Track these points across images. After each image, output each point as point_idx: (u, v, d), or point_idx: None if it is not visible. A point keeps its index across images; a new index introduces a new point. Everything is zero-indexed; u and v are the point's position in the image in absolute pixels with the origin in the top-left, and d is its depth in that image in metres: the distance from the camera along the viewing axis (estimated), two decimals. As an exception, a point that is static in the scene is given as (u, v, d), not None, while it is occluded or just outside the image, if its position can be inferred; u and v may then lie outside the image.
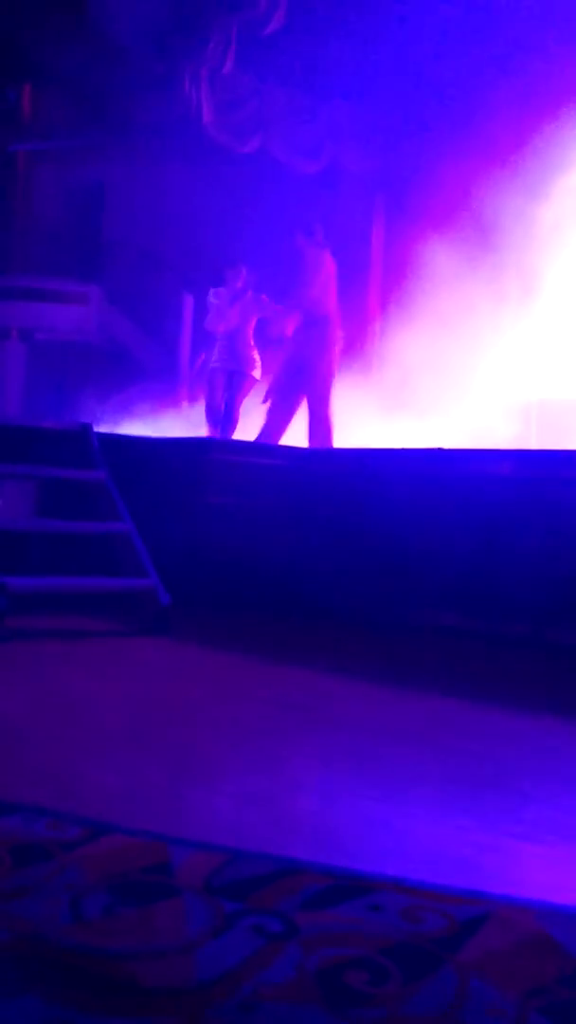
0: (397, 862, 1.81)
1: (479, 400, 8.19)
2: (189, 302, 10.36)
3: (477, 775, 2.42)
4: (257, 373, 7.44)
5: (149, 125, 9.65)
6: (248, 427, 7.21)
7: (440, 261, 8.65)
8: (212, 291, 7.63)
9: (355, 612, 4.66)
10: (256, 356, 7.44)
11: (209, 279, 8.25)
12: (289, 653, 3.95)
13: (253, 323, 7.42)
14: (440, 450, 5.04)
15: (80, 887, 1.63)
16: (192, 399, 9.63)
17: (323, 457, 5.75)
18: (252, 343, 7.44)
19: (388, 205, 10.36)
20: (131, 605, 4.30)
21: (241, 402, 7.40)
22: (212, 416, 7.49)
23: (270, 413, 6.88)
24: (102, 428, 5.36)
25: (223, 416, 7.30)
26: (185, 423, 8.55)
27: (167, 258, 10.95)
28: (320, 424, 6.79)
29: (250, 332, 7.43)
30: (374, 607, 4.65)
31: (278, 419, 6.86)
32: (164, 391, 9.85)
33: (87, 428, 4.92)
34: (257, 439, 6.78)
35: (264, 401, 6.97)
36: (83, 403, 9.49)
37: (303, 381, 6.81)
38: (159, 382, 10.10)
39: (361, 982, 1.38)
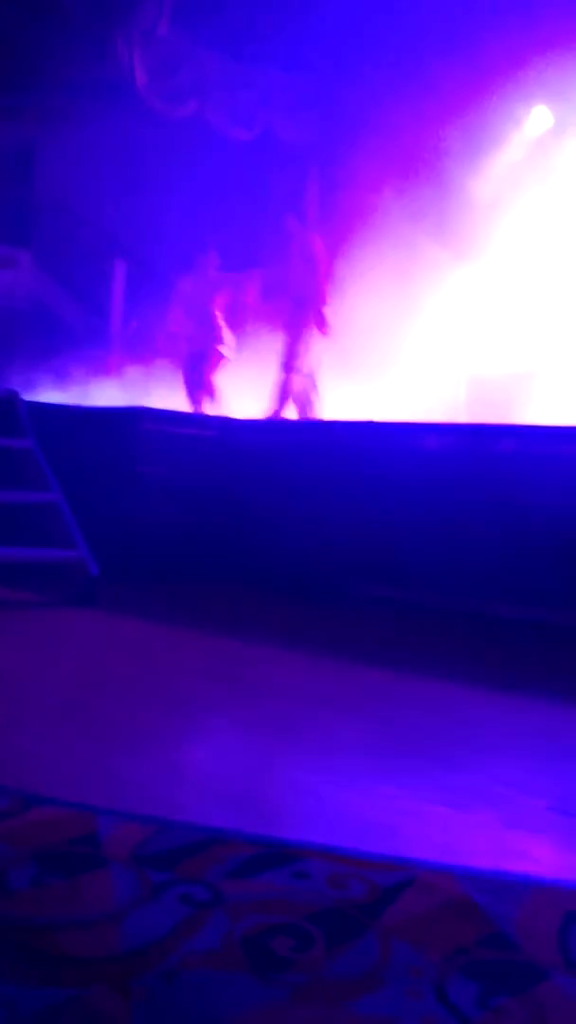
0: (323, 830, 1.84)
1: (413, 371, 8.25)
2: (121, 267, 10.20)
3: (403, 744, 2.46)
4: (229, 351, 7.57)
5: (83, 86, 9.44)
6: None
7: (373, 232, 8.65)
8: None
9: (290, 582, 4.68)
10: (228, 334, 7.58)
11: (142, 243, 8.21)
12: (221, 624, 3.96)
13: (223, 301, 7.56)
14: (370, 423, 5.08)
15: (7, 858, 1.63)
16: (122, 366, 9.53)
17: (256, 428, 5.75)
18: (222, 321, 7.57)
19: (322, 175, 10.31)
20: (59, 576, 4.27)
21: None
22: (192, 392, 7.58)
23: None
24: (30, 396, 5.27)
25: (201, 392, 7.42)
26: (116, 391, 8.46)
27: (99, 222, 10.76)
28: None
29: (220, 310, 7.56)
30: (309, 577, 4.69)
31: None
32: (95, 358, 9.71)
33: (13, 395, 4.83)
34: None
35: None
36: (11, 370, 9.32)
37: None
38: (90, 349, 9.94)
39: (286, 948, 1.40)
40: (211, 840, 1.74)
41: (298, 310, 6.81)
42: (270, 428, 5.70)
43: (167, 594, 4.52)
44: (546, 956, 1.41)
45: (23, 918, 1.44)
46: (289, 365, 6.87)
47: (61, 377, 8.87)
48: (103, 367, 9.75)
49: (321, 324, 6.75)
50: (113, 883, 1.57)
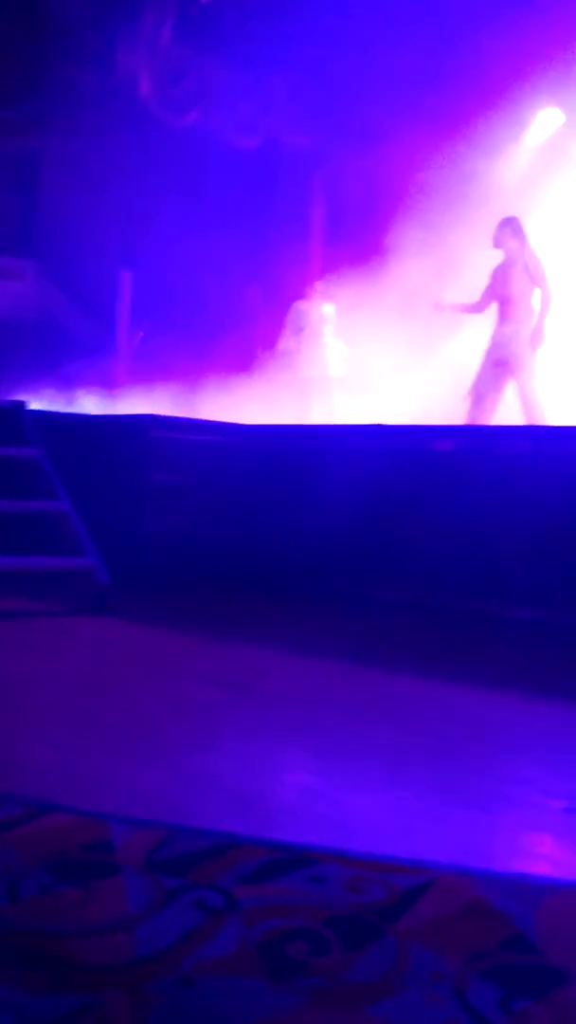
0: (339, 834, 1.82)
1: (424, 379, 8.21)
2: (127, 278, 10.23)
3: (419, 747, 2.44)
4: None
5: (87, 97, 9.48)
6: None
7: (380, 239, 8.64)
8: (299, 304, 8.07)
9: (303, 587, 4.67)
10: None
11: (151, 256, 8.27)
12: (233, 630, 3.94)
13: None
14: (380, 426, 5.06)
15: (20, 865, 1.61)
16: (130, 375, 9.55)
17: (267, 433, 5.74)
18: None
19: (327, 182, 10.32)
20: (70, 585, 4.25)
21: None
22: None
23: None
24: (38, 406, 5.28)
25: None
26: (125, 400, 8.47)
27: (105, 233, 10.78)
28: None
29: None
30: (323, 582, 4.67)
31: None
32: (103, 368, 9.73)
33: (20, 405, 4.84)
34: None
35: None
36: (18, 381, 9.33)
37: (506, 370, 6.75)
38: (98, 359, 9.96)
39: (302, 953, 1.38)
40: (225, 845, 1.72)
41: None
42: (281, 433, 5.69)
43: (178, 601, 4.50)
44: (568, 959, 1.39)
45: (36, 925, 1.42)
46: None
47: (68, 387, 8.89)
48: (111, 377, 9.77)
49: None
50: (126, 889, 1.55)
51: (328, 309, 8.00)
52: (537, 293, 6.61)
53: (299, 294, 8.22)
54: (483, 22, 7.95)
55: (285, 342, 8.06)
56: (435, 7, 8.05)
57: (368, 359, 8.29)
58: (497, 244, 6.74)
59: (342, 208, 10.17)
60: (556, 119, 8.70)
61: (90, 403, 8.33)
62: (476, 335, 7.05)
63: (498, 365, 6.59)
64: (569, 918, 1.51)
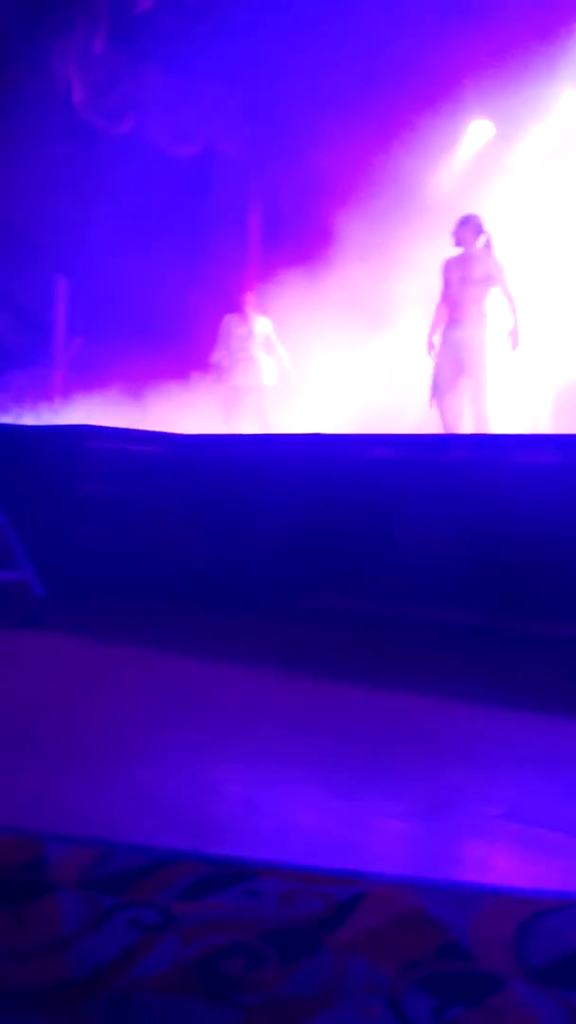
0: (276, 847, 1.82)
1: (362, 389, 8.24)
2: (63, 285, 10.13)
3: (357, 756, 2.45)
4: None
5: (19, 104, 9.38)
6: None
7: (320, 247, 8.68)
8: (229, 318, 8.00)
9: (242, 598, 4.65)
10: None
11: (88, 263, 8.19)
12: (171, 642, 3.91)
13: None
14: (320, 435, 5.08)
15: (-51, 890, 1.58)
16: (66, 384, 9.45)
17: (203, 443, 5.72)
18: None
19: (265, 190, 10.34)
20: (4, 598, 4.20)
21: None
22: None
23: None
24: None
25: None
26: (59, 412, 8.38)
27: (39, 239, 10.67)
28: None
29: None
30: (262, 592, 4.66)
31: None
32: (38, 376, 9.62)
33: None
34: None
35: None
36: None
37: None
38: (32, 367, 9.85)
39: (239, 968, 1.37)
40: (162, 861, 1.71)
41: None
42: (217, 443, 5.68)
43: (116, 613, 4.46)
44: (502, 965, 1.40)
45: (-34, 951, 1.40)
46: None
47: (2, 397, 8.77)
48: (46, 385, 9.66)
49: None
50: (60, 910, 1.53)
51: (261, 323, 8.01)
52: (492, 295, 6.53)
53: (237, 301, 8.21)
54: (418, 30, 8.04)
55: (217, 355, 8.06)
56: (372, 16, 8.11)
57: (310, 365, 8.31)
58: (459, 242, 6.54)
59: (279, 215, 10.20)
60: (487, 131, 8.83)
61: (26, 413, 8.23)
62: (415, 336, 7.04)
63: (455, 366, 6.48)
64: (504, 924, 1.53)
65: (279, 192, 10.15)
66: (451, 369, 6.51)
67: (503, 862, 1.85)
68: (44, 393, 9.29)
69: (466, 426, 6.60)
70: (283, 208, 10.05)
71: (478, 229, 6.58)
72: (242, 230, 10.40)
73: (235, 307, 8.18)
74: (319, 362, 8.38)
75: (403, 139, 8.45)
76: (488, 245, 6.58)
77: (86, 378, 9.13)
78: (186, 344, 9.04)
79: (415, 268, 7.67)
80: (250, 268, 10.24)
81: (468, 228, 6.56)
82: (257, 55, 8.75)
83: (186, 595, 4.70)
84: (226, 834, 1.89)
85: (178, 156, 9.62)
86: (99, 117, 8.99)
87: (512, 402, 7.57)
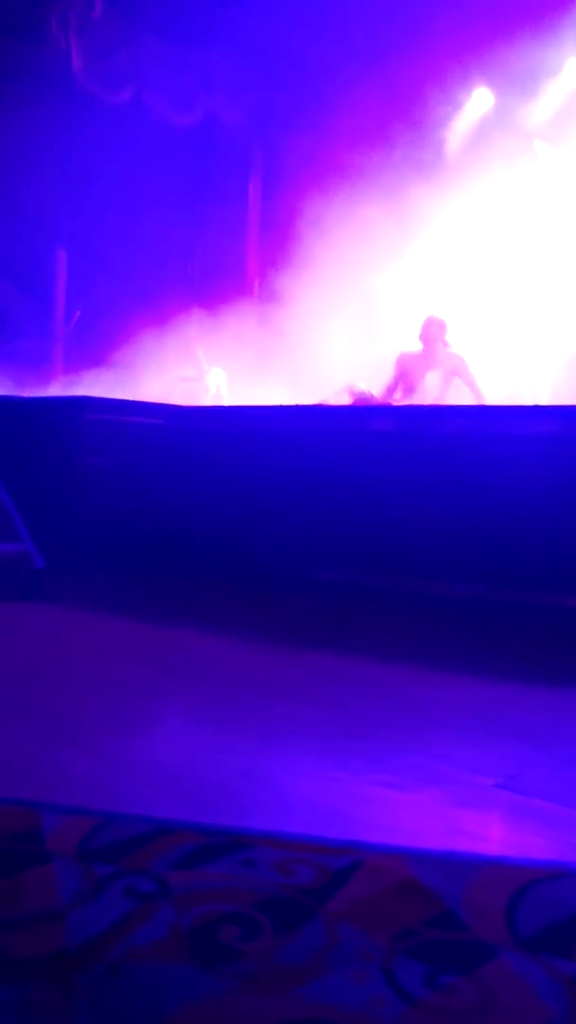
0: (271, 816, 1.83)
1: (362, 358, 8.19)
2: (63, 256, 10.07)
3: (350, 727, 2.46)
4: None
5: (18, 72, 9.27)
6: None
7: (320, 216, 8.61)
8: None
9: (240, 570, 4.66)
10: None
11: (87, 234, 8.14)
12: (169, 614, 3.92)
13: None
14: (319, 407, 5.07)
15: (-53, 858, 1.59)
16: (67, 356, 9.42)
17: (202, 415, 5.71)
18: None
19: (266, 159, 10.24)
20: (4, 570, 4.20)
21: None
22: None
23: None
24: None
25: None
26: (62, 381, 8.36)
27: (39, 211, 10.60)
28: None
29: None
30: (260, 564, 4.66)
31: None
32: (39, 348, 9.58)
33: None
34: None
35: None
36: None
37: None
38: (33, 339, 9.81)
39: (233, 937, 1.38)
40: (157, 831, 1.72)
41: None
42: (216, 415, 5.66)
43: (115, 585, 4.46)
44: (494, 934, 1.41)
45: (-37, 919, 1.41)
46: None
47: (3, 369, 8.74)
48: (48, 357, 9.62)
49: None
50: (57, 879, 1.54)
51: (214, 375, 7.95)
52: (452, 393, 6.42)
53: (236, 277, 8.16)
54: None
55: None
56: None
57: (319, 340, 8.24)
58: (426, 341, 6.48)
59: (280, 184, 10.11)
60: (487, 100, 8.74)
61: (26, 384, 8.20)
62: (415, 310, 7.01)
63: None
64: (496, 893, 1.54)
65: (280, 161, 10.05)
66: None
67: (496, 831, 1.86)
68: (45, 363, 9.26)
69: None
70: (284, 177, 9.95)
71: (443, 330, 6.52)
72: (243, 199, 10.31)
73: (236, 282, 8.13)
74: (318, 332, 8.33)
75: (406, 107, 8.37)
76: (452, 353, 6.54)
77: (86, 350, 9.10)
78: (184, 317, 9.00)
79: (417, 235, 7.62)
80: (250, 238, 10.17)
81: (435, 329, 6.49)
82: (258, 23, 8.65)
83: (185, 567, 4.70)
84: (222, 804, 1.90)
85: (178, 125, 9.52)
86: (98, 85, 8.90)
87: (510, 377, 7.54)
